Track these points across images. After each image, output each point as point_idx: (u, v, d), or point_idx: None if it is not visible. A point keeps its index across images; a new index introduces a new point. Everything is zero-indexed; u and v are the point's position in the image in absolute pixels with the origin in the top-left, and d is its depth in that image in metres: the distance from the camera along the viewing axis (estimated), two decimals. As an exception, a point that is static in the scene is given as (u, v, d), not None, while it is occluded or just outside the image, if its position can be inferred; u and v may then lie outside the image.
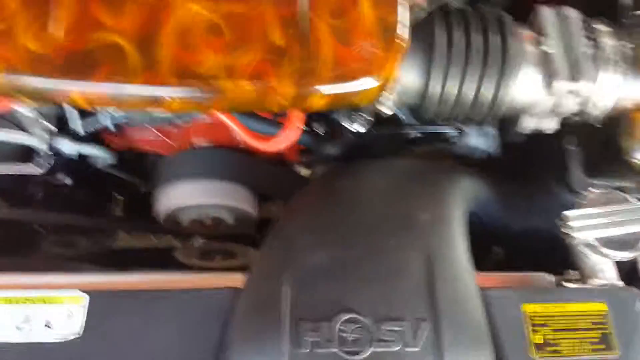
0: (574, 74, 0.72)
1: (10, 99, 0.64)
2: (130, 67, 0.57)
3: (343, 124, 0.77)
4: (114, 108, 0.74)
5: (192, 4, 0.59)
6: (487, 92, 0.72)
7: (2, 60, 0.57)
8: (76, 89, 0.57)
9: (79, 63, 0.57)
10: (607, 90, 0.74)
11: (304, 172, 0.98)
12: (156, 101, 0.58)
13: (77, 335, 0.57)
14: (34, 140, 0.82)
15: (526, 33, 0.75)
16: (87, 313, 0.58)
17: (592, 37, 0.75)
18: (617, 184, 0.81)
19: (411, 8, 0.69)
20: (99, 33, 0.57)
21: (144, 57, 0.57)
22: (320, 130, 0.86)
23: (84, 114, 0.82)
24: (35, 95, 0.59)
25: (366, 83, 0.62)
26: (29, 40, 0.57)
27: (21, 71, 0.57)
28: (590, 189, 0.73)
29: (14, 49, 0.57)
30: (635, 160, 0.78)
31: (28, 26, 0.57)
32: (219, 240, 1.01)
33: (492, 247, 0.93)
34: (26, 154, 0.89)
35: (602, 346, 0.61)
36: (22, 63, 0.57)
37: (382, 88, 0.63)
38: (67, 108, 0.82)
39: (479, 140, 0.91)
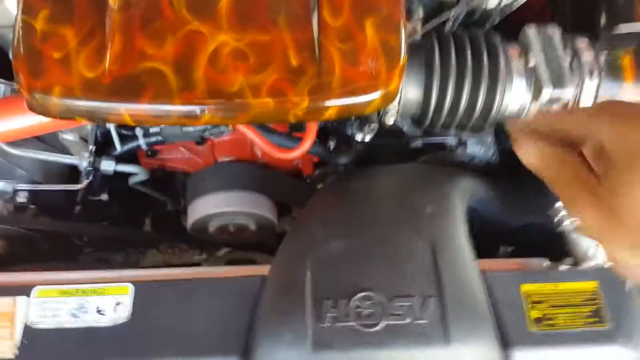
0: (557, 82, 0.81)
1: (65, 121, 0.73)
2: (171, 89, 0.66)
3: (352, 135, 0.87)
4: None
5: (221, 34, 0.69)
6: (479, 102, 0.81)
7: (60, 85, 0.67)
8: (125, 110, 0.67)
9: (127, 87, 0.66)
10: (586, 95, 0.83)
11: (318, 186, 1.07)
12: (192, 117, 0.68)
13: (125, 320, 0.65)
14: (77, 160, 0.91)
15: (514, 49, 0.85)
16: (133, 301, 0.66)
17: (572, 49, 0.84)
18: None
19: (410, 31, 0.80)
20: (144, 61, 0.67)
21: (182, 80, 0.67)
22: (331, 144, 0.96)
23: (120, 135, 0.92)
24: (88, 116, 0.68)
25: (372, 96, 0.70)
26: (83, 68, 0.67)
27: (76, 95, 0.67)
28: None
29: (70, 75, 0.67)
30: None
31: (83, 55, 0.68)
32: (243, 250, 1.09)
33: (499, 246, 1.01)
34: (69, 172, 0.99)
35: (595, 319, 0.68)
36: (77, 88, 0.67)
37: (386, 100, 0.72)
38: (106, 131, 0.93)
39: (477, 148, 0.99)
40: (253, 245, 1.07)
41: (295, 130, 0.90)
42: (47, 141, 0.94)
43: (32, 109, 0.68)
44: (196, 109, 0.67)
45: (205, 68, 0.68)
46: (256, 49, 0.70)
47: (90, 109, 0.67)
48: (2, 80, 0.84)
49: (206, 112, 0.68)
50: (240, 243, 1.07)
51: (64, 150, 0.95)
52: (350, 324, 0.62)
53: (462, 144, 0.99)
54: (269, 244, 1.08)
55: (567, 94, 0.82)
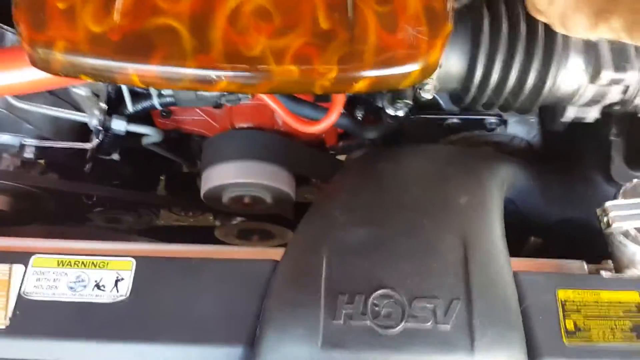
0: (620, 64, 0.71)
1: (70, 78, 0.68)
2: (184, 50, 0.59)
3: (383, 108, 0.79)
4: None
5: (243, -11, 0.61)
6: (530, 80, 0.72)
7: (64, 40, 0.60)
8: (133, 70, 0.60)
9: (136, 45, 0.60)
10: (652, 81, 0.73)
11: (341, 157, 1.00)
12: (207, 83, 0.61)
13: (125, 298, 0.61)
14: (87, 118, 0.86)
15: (572, 22, 0.75)
16: (134, 278, 0.62)
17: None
18: (660, 177, 0.80)
19: (456, -4, 0.70)
20: (156, 16, 0.60)
21: (197, 41, 0.60)
22: (359, 114, 0.88)
23: (134, 94, 0.86)
24: (93, 75, 0.62)
25: (409, 68, 0.62)
26: (90, 21, 0.61)
27: (81, 51, 0.61)
28: (633, 180, 0.72)
29: (75, 29, 0.60)
30: (680, 154, 0.77)
31: (89, 7, 0.61)
32: (258, 220, 1.04)
33: (530, 237, 0.93)
34: (78, 131, 0.94)
35: (633, 335, 0.61)
36: (82, 43, 0.60)
37: (424, 73, 0.63)
38: (120, 88, 0.87)
39: (518, 128, 0.91)
40: (269, 217, 1.02)
41: (320, 100, 0.82)
42: (58, 95, 0.89)
43: (34, 63, 0.62)
44: (211, 74, 0.60)
45: (224, 28, 0.60)
46: (282, 8, 0.62)
47: (96, 67, 0.61)
48: (8, 28, 0.78)
49: (222, 78, 0.61)
50: (255, 215, 1.02)
51: (76, 105, 0.90)
52: (366, 323, 0.56)
53: (502, 122, 0.90)
54: (286, 217, 1.02)
55: (630, 78, 0.72)
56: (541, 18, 0.60)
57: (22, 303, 0.60)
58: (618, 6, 0.52)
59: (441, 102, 0.88)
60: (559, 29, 0.59)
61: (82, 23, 0.60)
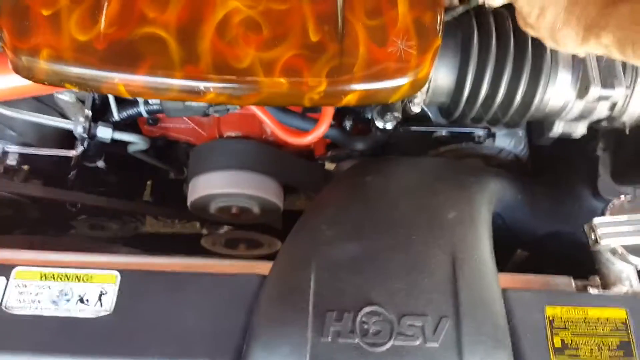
0: (608, 80, 0.72)
1: (55, 87, 0.66)
2: (172, 60, 0.58)
3: (372, 120, 0.78)
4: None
5: (233, 0, 0.60)
6: (518, 95, 0.72)
7: (49, 48, 0.59)
8: (119, 80, 0.59)
9: (123, 54, 0.58)
10: (638, 97, 0.73)
11: (329, 166, 1.00)
12: (195, 94, 0.60)
13: (109, 312, 0.59)
14: (72, 125, 0.84)
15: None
16: (119, 292, 0.61)
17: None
18: (645, 191, 0.81)
19: (446, 9, 0.70)
20: (143, 26, 0.59)
21: (185, 51, 0.59)
22: (348, 125, 0.87)
23: (120, 101, 0.85)
24: (78, 84, 0.61)
25: (399, 82, 0.62)
26: (75, 29, 0.59)
27: (65, 60, 0.59)
28: (620, 196, 0.73)
29: (59, 37, 0.59)
30: (665, 169, 0.78)
31: (75, 15, 0.60)
32: (245, 230, 1.03)
33: (516, 250, 0.94)
34: (63, 137, 0.92)
35: (621, 353, 0.61)
36: (67, 51, 0.59)
37: (414, 87, 0.63)
38: (105, 95, 0.85)
39: (506, 140, 0.91)
40: (257, 226, 1.01)
41: (309, 111, 0.81)
42: (43, 100, 0.87)
43: (17, 71, 0.61)
44: (199, 85, 0.60)
45: (212, 38, 0.60)
46: (271, 20, 0.61)
47: (81, 77, 0.60)
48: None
49: (211, 89, 0.60)
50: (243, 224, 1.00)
51: (61, 111, 0.88)
52: (355, 341, 0.56)
53: (491, 135, 0.90)
54: (274, 226, 1.01)
55: (618, 94, 0.72)
56: (531, 32, 0.59)
57: (4, 317, 0.58)
58: (609, 22, 0.52)
59: (430, 114, 0.88)
60: (548, 43, 0.58)
61: (67, 31, 0.59)
